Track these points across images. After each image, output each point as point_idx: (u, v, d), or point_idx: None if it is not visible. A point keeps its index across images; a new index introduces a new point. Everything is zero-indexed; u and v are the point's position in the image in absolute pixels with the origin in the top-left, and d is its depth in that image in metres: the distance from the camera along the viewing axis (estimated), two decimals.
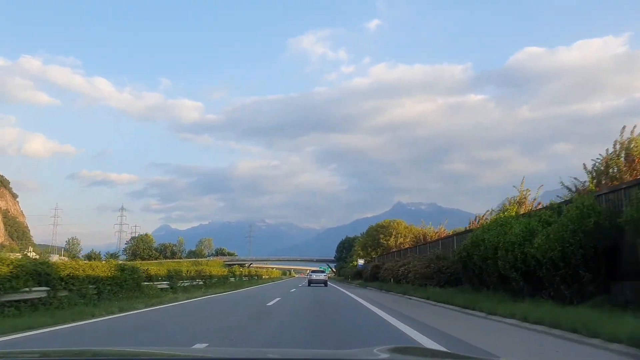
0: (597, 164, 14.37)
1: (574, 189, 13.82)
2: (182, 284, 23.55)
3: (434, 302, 17.17)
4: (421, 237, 35.23)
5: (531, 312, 9.72)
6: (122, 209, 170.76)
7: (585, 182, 14.45)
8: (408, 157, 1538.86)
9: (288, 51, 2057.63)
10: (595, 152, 15.53)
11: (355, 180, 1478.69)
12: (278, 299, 19.79)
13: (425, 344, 7.33)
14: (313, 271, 45.33)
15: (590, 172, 14.46)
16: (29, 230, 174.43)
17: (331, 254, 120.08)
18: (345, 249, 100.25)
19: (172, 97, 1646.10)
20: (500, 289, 14.61)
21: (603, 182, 13.78)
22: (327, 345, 7.50)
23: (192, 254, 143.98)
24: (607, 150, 14.14)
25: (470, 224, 26.25)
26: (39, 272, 11.78)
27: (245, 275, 48.75)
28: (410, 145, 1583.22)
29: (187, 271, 25.81)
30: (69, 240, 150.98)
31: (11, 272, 10.65)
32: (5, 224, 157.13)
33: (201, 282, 27.73)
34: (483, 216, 24.61)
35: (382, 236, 58.78)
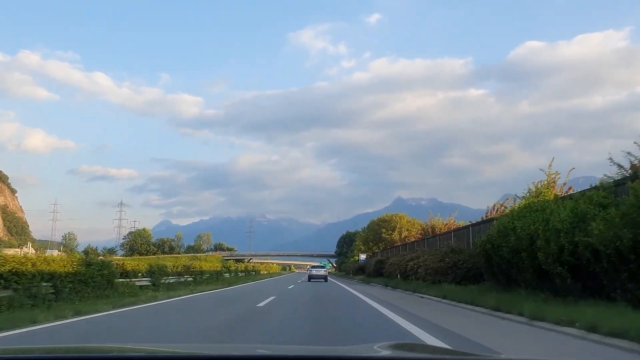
0: None
1: (627, 166, 11.35)
2: (167, 280, 21.14)
3: (453, 302, 14.72)
4: (429, 229, 32.80)
5: (603, 320, 7.20)
6: (121, 204, 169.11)
7: None
8: (408, 152, 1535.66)
9: (288, 46, 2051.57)
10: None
11: (356, 176, 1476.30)
12: (272, 297, 17.37)
13: None
14: (313, 267, 44.85)
15: None
16: (28, 226, 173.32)
17: (332, 249, 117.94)
18: (346, 243, 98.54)
19: (171, 92, 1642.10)
20: (537, 287, 12.18)
21: None
22: None
23: (190, 249, 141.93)
24: None
25: (487, 213, 23.76)
26: None
27: (241, 271, 46.34)
28: (410, 140, 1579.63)
29: (174, 266, 23.40)
30: (65, 235, 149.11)
31: None
32: (4, 220, 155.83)
33: (190, 279, 25.34)
34: (502, 205, 22.17)
35: (384, 230, 57.39)
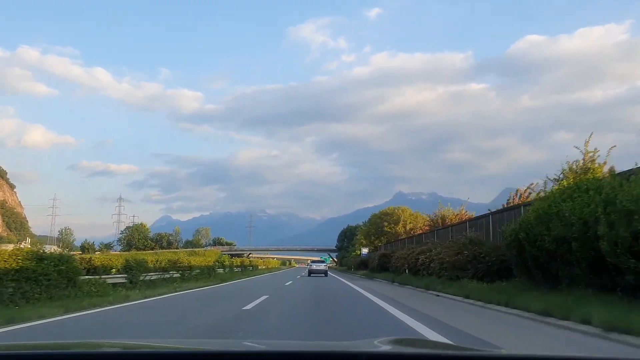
0: None
1: None
2: (147, 277, 18.70)
3: (479, 303, 12.28)
4: (439, 220, 30.36)
5: None
6: (120, 199, 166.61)
7: None
8: (409, 146, 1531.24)
9: (288, 40, 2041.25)
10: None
11: (356, 170, 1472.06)
12: (264, 297, 14.92)
13: None
14: (313, 261, 44.68)
15: None
16: (27, 221, 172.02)
17: (332, 244, 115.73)
18: (347, 238, 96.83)
19: (171, 87, 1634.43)
20: (591, 284, 9.74)
21: None
22: None
23: (189, 244, 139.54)
24: None
25: (509, 200, 21.26)
26: None
27: (237, 266, 43.86)
28: (410, 134, 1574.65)
29: (157, 261, 20.95)
30: (62, 231, 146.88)
31: None
32: (2, 215, 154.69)
33: (177, 275, 22.89)
34: (527, 189, 19.68)
35: (386, 224, 55.53)
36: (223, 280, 27.42)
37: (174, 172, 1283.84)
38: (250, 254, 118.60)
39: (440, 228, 26.64)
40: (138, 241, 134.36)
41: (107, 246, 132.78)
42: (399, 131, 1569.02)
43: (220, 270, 34.29)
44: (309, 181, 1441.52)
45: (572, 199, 10.34)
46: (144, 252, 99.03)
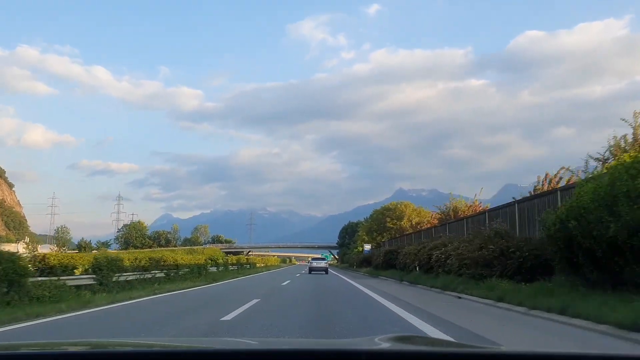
0: None
1: None
2: (120, 278, 16.24)
3: (520, 308, 9.82)
4: (451, 212, 27.84)
5: None
6: (119, 197, 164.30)
7: None
8: (409, 143, 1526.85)
9: (287, 37, 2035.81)
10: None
11: (357, 168, 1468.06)
12: (254, 301, 12.47)
13: None
14: (314, 259, 44.13)
15: None
16: (26, 221, 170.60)
17: (333, 241, 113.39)
18: (348, 234, 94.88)
19: (171, 85, 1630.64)
20: None
21: None
22: None
23: (187, 242, 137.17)
24: None
25: (537, 185, 18.75)
26: None
27: (233, 264, 41.37)
28: (411, 131, 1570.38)
29: (135, 259, 18.50)
30: (58, 229, 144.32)
31: None
32: (1, 214, 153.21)
33: (161, 274, 20.43)
34: (558, 173, 17.27)
35: (388, 219, 54.16)
36: (215, 280, 24.98)
37: (175, 170, 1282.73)
38: (250, 251, 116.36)
39: (452, 221, 24.15)
40: (136, 239, 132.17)
41: (104, 244, 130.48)
42: (399, 128, 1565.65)
43: (214, 269, 31.89)
44: (310, 179, 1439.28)
45: None
46: (142, 250, 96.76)
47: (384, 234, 52.95)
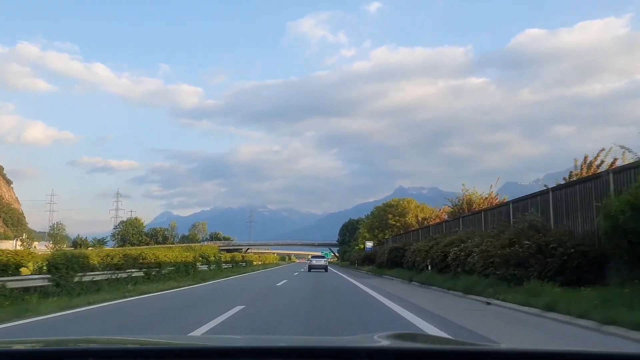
0: None
1: None
2: (89, 277, 13.83)
3: (586, 322, 7.38)
4: (464, 205, 25.34)
5: None
6: (118, 194, 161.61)
7: None
8: (409, 141, 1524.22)
9: (288, 35, 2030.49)
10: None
11: (357, 165, 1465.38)
12: (238, 308, 10.05)
13: None
14: (313, 256, 43.90)
15: None
16: (24, 217, 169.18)
17: (333, 239, 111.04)
18: (349, 232, 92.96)
19: (171, 82, 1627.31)
20: None
21: None
22: None
23: (185, 239, 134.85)
24: None
25: (574, 171, 16.29)
26: None
27: (227, 262, 38.89)
28: (411, 129, 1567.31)
29: (107, 256, 16.05)
30: (53, 226, 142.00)
31: None
32: None
33: (140, 274, 18.01)
34: (597, 156, 14.90)
35: (390, 216, 52.52)
36: (203, 280, 22.56)
37: (175, 167, 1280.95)
38: (248, 249, 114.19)
39: (467, 214, 21.68)
40: (132, 236, 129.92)
41: (100, 241, 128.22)
42: (400, 126, 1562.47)
43: (205, 267, 29.48)
44: (310, 176, 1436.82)
45: None
46: (138, 247, 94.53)
47: (386, 230, 51.56)
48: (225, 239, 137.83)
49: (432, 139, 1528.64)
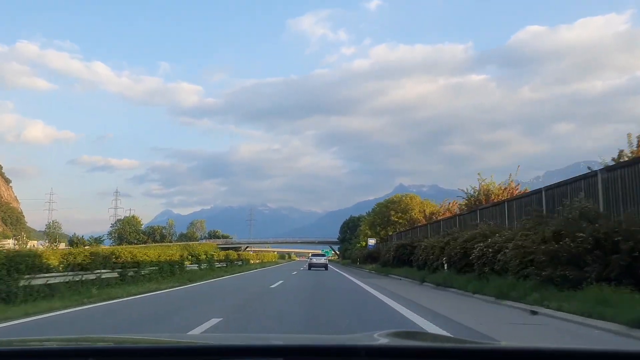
0: None
1: None
2: (42, 280, 11.45)
3: None
4: (482, 197, 22.85)
5: None
6: (117, 192, 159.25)
7: None
8: (409, 139, 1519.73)
9: (287, 33, 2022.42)
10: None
11: (357, 163, 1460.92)
12: (213, 322, 7.65)
13: None
14: (313, 255, 44.40)
15: None
16: (23, 216, 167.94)
17: (334, 236, 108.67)
18: (350, 229, 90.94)
19: (171, 80, 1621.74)
20: None
21: None
22: None
23: (183, 237, 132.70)
24: None
25: (632, 146, 13.92)
26: None
27: (220, 260, 36.47)
28: (411, 127, 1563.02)
29: (69, 254, 13.65)
30: (49, 224, 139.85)
31: None
32: None
33: (114, 275, 15.61)
34: None
35: (392, 213, 51.17)
36: (190, 280, 20.16)
37: (175, 166, 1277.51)
38: (247, 247, 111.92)
39: (486, 206, 19.26)
40: (130, 235, 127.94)
41: (97, 240, 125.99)
42: (400, 124, 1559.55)
43: (195, 267, 27.09)
44: (310, 175, 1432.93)
45: None
46: (135, 245, 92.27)
47: (388, 227, 50.39)
48: (224, 237, 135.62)
49: (432, 137, 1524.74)
